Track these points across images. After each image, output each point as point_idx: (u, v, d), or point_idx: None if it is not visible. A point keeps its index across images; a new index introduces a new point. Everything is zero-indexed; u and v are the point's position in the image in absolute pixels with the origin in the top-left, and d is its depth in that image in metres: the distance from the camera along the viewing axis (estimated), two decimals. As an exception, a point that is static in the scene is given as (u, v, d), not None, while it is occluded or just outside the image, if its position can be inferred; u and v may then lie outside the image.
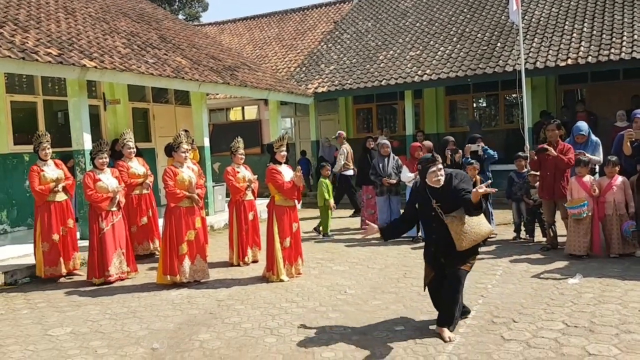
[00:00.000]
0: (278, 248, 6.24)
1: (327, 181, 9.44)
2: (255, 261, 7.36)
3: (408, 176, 8.34)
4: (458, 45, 14.18)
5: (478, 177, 7.91)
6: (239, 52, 16.55)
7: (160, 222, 6.97)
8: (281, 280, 6.20)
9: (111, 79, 8.91)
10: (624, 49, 11.20)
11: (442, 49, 14.37)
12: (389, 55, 15.15)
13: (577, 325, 4.33)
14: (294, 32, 20.56)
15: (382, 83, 13.92)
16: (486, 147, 8.69)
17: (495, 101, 15.33)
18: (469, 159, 8.13)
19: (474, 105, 16.07)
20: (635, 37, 11.45)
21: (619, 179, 6.65)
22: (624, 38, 11.58)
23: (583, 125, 7.33)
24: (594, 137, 7.33)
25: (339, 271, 6.67)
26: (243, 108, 18.80)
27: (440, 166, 4.26)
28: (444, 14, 16.37)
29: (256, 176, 7.74)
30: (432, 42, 14.98)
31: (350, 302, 5.31)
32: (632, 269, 5.96)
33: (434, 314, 4.49)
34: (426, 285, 4.54)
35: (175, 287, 6.20)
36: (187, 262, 6.23)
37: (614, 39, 11.69)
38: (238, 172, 7.45)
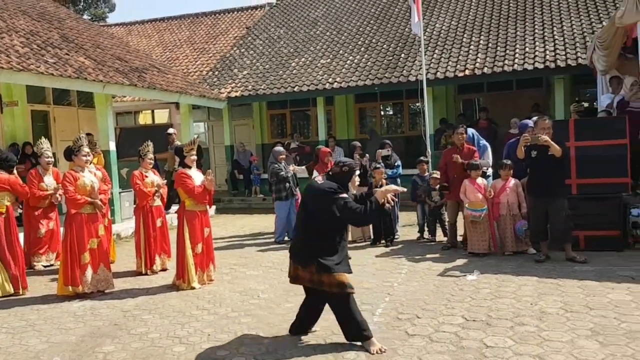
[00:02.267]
0: (189, 254, 6.12)
1: None
2: (164, 269, 7.17)
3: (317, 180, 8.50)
4: (366, 55, 14.67)
5: (384, 181, 8.22)
6: (147, 54, 16.04)
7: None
8: (192, 288, 6.09)
9: (7, 79, 8.36)
10: (516, 60, 12.13)
11: (351, 58, 14.80)
12: (301, 62, 15.37)
13: (476, 319, 4.63)
14: (206, 35, 20.28)
15: (295, 89, 14.10)
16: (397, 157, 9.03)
17: (401, 109, 16.02)
18: (377, 164, 8.42)
19: (382, 112, 16.69)
20: (527, 49, 12.44)
21: (512, 182, 7.19)
22: (517, 50, 12.54)
23: (469, 130, 7.93)
24: (482, 142, 7.93)
25: (253, 276, 6.67)
26: (153, 111, 18.24)
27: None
28: (352, 25, 16.88)
29: (165, 181, 7.56)
30: (341, 51, 15.39)
31: (263, 307, 5.34)
32: (525, 265, 6.45)
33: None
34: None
35: (77, 298, 5.91)
36: (89, 272, 5.96)
37: (507, 51, 12.64)
38: (146, 177, 7.24)
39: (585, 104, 12.14)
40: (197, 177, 6.29)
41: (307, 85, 14.04)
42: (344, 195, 4.11)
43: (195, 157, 6.32)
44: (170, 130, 12.61)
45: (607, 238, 6.82)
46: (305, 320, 4.48)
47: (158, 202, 7.28)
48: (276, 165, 8.87)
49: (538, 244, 6.77)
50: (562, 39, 12.46)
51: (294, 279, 4.36)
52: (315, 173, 8.67)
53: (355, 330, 4.16)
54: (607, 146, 6.86)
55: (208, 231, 6.35)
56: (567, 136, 6.97)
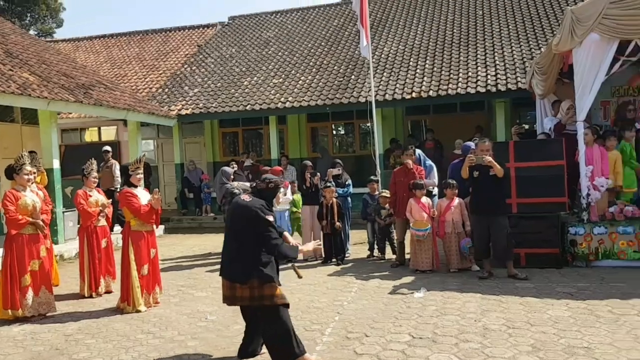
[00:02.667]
0: (135, 276, 5.98)
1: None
2: (108, 292, 6.97)
3: (286, 198, 8.57)
4: (317, 76, 14.88)
5: (335, 199, 8.33)
6: (94, 70, 15.69)
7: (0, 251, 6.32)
8: (138, 311, 5.94)
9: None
10: (460, 84, 12.60)
11: (302, 78, 14.98)
12: (253, 82, 15.42)
13: (422, 336, 4.73)
14: (156, 52, 20.04)
15: (247, 108, 14.11)
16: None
17: (352, 129, 16.29)
18: (328, 183, 8.51)
19: (334, 132, 16.90)
20: (470, 74, 12.95)
21: (457, 201, 7.43)
22: (460, 75, 13.03)
23: (416, 151, 8.16)
24: (428, 162, 8.19)
25: (201, 297, 6.57)
26: (99, 128, 17.79)
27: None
28: (303, 46, 17.11)
29: (110, 200, 7.38)
30: (293, 71, 15.55)
31: (211, 329, 5.27)
32: (469, 282, 6.65)
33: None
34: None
35: (17, 322, 5.67)
36: (30, 295, 5.74)
37: (451, 76, 13.11)
38: (90, 196, 7.05)
39: (526, 126, 12.69)
40: (143, 196, 6.18)
41: (259, 104, 14.08)
42: (270, 217, 4.18)
43: (141, 176, 6.21)
44: (106, 148, 12.36)
45: (547, 255, 7.12)
46: (251, 343, 4.45)
47: (103, 222, 7.10)
48: (228, 185, 8.84)
49: (481, 261, 7.00)
50: (502, 64, 13.05)
51: (230, 299, 4.24)
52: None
53: (289, 350, 4.06)
54: (545, 167, 7.20)
55: (154, 252, 6.23)
56: (507, 157, 7.28)
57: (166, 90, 16.13)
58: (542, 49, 11.36)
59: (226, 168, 9.29)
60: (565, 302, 5.53)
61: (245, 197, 4.33)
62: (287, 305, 4.17)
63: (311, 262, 8.51)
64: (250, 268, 4.12)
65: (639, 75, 8.91)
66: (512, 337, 4.62)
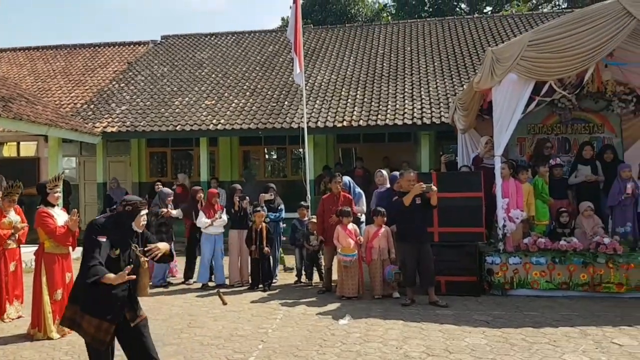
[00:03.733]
0: (46, 301, 5.65)
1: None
2: (18, 317, 6.52)
3: (204, 221, 8.39)
4: (251, 100, 14.89)
5: (264, 224, 8.29)
6: (16, 83, 14.89)
7: None
8: (49, 338, 5.59)
9: None
10: (388, 115, 13.02)
11: (236, 101, 14.93)
12: (184, 102, 15.18)
13: (346, 363, 4.77)
14: (83, 67, 19.32)
15: (177, 128, 13.84)
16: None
17: (284, 154, 16.36)
18: (259, 207, 8.46)
19: (266, 156, 16.89)
20: (397, 106, 13.42)
21: (384, 228, 7.59)
22: (389, 106, 13.48)
23: (345, 178, 8.39)
24: (357, 190, 8.38)
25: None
26: (19, 143, 16.81)
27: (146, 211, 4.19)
28: (237, 69, 17.11)
29: (25, 224, 6.88)
30: (226, 94, 15.48)
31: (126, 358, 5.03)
32: (392, 309, 6.78)
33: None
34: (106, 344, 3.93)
35: None
36: None
37: (380, 107, 13.54)
38: (5, 217, 6.59)
39: (455, 156, 13.26)
40: (60, 216, 5.88)
41: (190, 125, 13.86)
42: (101, 239, 3.83)
43: (59, 194, 5.93)
44: None
45: (465, 283, 7.40)
46: None
47: (13, 244, 6.65)
48: (156, 210, 8.64)
49: (404, 287, 7.17)
50: (428, 98, 13.64)
51: (63, 318, 4.06)
52: (201, 214, 8.48)
53: None
54: (465, 198, 7.53)
55: (70, 276, 5.91)
56: (431, 188, 7.56)
57: (92, 106, 15.54)
58: (465, 86, 11.98)
59: (165, 190, 9.06)
60: (482, 330, 5.75)
61: (100, 217, 4.10)
62: (98, 348, 3.87)
63: (237, 287, 8.37)
64: (77, 292, 3.87)
65: (553, 115, 9.60)
66: (431, 364, 4.75)
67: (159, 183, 9.80)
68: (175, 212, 8.69)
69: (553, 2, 30.30)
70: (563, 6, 28.06)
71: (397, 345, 5.26)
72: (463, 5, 30.75)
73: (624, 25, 6.67)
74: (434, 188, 6.92)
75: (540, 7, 30.00)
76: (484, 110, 8.86)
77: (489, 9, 30.14)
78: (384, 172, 8.76)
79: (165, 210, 8.50)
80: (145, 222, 4.11)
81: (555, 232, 7.73)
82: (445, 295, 7.21)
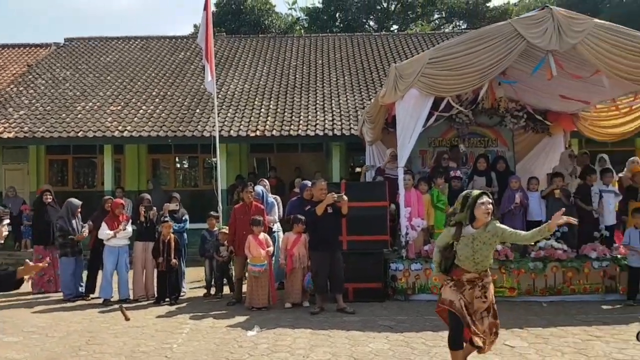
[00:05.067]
0: None
1: None
2: None
3: (106, 233, 8.03)
4: (160, 107, 14.50)
5: (173, 235, 8.08)
6: None
7: None
8: None
9: None
10: (300, 126, 13.21)
11: (144, 107, 14.47)
12: (87, 107, 14.50)
13: (251, 375, 4.76)
14: (-23, 69, 17.94)
15: (79, 134, 13.19)
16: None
17: (196, 163, 16.05)
18: (166, 218, 8.24)
19: (177, 165, 16.48)
20: (310, 117, 13.65)
21: (303, 236, 7.63)
22: (301, 117, 13.68)
23: (257, 187, 8.39)
24: (270, 199, 8.41)
25: (11, 343, 5.88)
26: None
27: None
28: (146, 75, 16.62)
29: None
30: (134, 99, 14.97)
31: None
32: (302, 318, 6.84)
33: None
34: None
35: None
36: None
37: (293, 117, 13.71)
38: None
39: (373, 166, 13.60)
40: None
41: (93, 132, 13.24)
42: None
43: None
44: None
45: (372, 290, 7.64)
46: None
47: None
48: (62, 223, 8.20)
49: (314, 296, 7.28)
50: (338, 110, 14.01)
51: None
52: (104, 226, 8.10)
53: None
54: (371, 207, 7.79)
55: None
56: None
57: (-14, 111, 14.43)
58: (372, 100, 12.41)
59: (75, 201, 8.60)
60: (386, 335, 5.96)
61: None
62: None
63: (142, 302, 8.08)
64: None
65: (451, 129, 10.18)
66: (336, 371, 4.85)
67: (47, 193, 9.12)
68: (86, 232, 8.37)
69: (454, 23, 32.24)
70: (463, 27, 29.92)
71: (304, 354, 5.33)
72: (372, 23, 31.92)
73: (516, 46, 7.23)
74: (345, 197, 7.11)
75: (442, 27, 31.85)
76: (389, 123, 9.23)
77: (395, 27, 31.53)
78: (266, 180, 9.01)
79: (77, 236, 8.32)
80: (7, 233, 3.88)
81: (454, 239, 8.17)
82: (353, 302, 7.39)
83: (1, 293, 6.19)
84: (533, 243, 7.23)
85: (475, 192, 4.38)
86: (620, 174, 9.14)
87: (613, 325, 6.20)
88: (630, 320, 6.40)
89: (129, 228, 8.27)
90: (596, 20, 7.30)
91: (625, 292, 7.37)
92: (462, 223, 4.38)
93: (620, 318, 6.52)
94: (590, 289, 7.55)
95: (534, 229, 4.30)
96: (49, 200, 9.14)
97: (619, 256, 7.63)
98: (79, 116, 13.99)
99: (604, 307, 7.17)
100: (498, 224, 4.32)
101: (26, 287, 8.92)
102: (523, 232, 4.41)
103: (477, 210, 4.26)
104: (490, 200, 4.27)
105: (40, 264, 4.04)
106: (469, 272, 4.36)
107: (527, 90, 9.48)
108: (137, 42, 19.44)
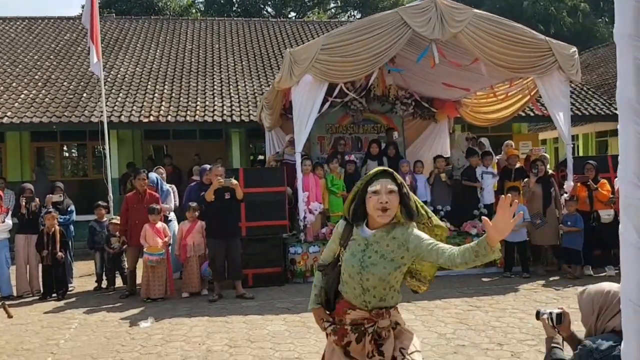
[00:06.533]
0: None
1: None
2: None
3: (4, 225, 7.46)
4: (43, 91, 13.49)
5: (57, 227, 7.62)
6: None
7: None
8: None
9: None
10: (197, 112, 12.90)
11: (25, 92, 13.39)
12: (-39, 92, 13.15)
13: (142, 366, 4.65)
14: None
15: (-50, 122, 11.95)
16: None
17: (85, 151, 15.15)
18: (50, 209, 7.75)
19: (64, 154, 15.45)
20: (207, 103, 13.37)
21: (199, 223, 7.50)
22: (198, 103, 13.36)
23: (152, 175, 8.13)
24: (165, 187, 8.20)
25: None
26: None
27: None
28: (28, 57, 15.35)
29: None
30: (14, 83, 13.79)
31: None
32: (199, 306, 6.77)
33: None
34: None
35: None
36: None
37: (190, 103, 13.34)
38: None
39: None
40: None
41: (-32, 118, 12.07)
42: None
43: None
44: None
45: (271, 275, 7.72)
46: None
47: None
48: None
49: (212, 284, 7.22)
50: (237, 96, 13.83)
51: None
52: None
53: None
54: (270, 192, 7.85)
55: None
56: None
57: None
58: (270, 86, 12.41)
59: None
60: (283, 317, 6.06)
61: None
62: None
63: (27, 298, 7.57)
64: None
65: (347, 116, 10.45)
66: (232, 356, 4.87)
67: None
68: None
69: (349, 12, 33.14)
70: (358, 16, 30.78)
71: (200, 342, 5.29)
72: (269, 9, 31.80)
73: (402, 34, 7.57)
74: (234, 182, 7.04)
75: (338, 15, 32.54)
76: (287, 109, 9.30)
77: (293, 14, 31.67)
78: (162, 169, 8.77)
79: None
80: None
81: (350, 221, 8.44)
82: (252, 287, 7.43)
83: None
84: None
85: (373, 170, 2.57)
86: (497, 157, 9.90)
87: (492, 295, 6.77)
88: (507, 291, 7.02)
89: (8, 220, 7.68)
90: (475, 10, 7.82)
91: (503, 266, 8.05)
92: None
93: (498, 289, 7.12)
94: (472, 263, 8.15)
95: (468, 246, 2.26)
96: None
97: (496, 232, 8.28)
98: (-51, 102, 12.67)
99: (484, 279, 7.79)
100: (414, 231, 2.47)
101: None
102: (450, 250, 2.32)
103: (367, 202, 2.48)
104: (392, 188, 2.44)
105: None
106: (354, 307, 2.51)
107: (414, 79, 9.97)
108: (19, 23, 17.87)
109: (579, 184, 8.07)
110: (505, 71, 8.13)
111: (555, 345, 2.44)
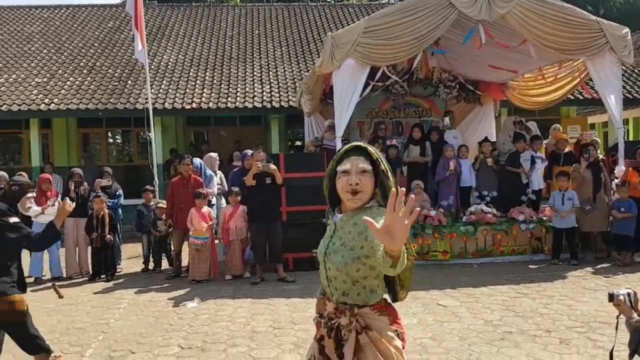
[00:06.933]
0: None
1: None
2: None
3: (34, 210, 7.66)
4: (89, 78, 13.84)
5: (106, 210, 7.84)
6: None
7: None
8: None
9: None
10: (238, 98, 12.99)
11: (71, 79, 13.77)
12: (11, 79, 13.63)
13: (192, 346, 4.74)
14: None
15: (3, 108, 12.41)
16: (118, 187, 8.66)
17: (130, 137, 15.51)
18: (98, 193, 7.97)
19: (109, 140, 15.86)
20: (247, 89, 13.44)
21: (241, 208, 7.59)
22: (239, 89, 13.45)
23: (196, 160, 8.25)
24: (208, 172, 8.30)
25: None
26: None
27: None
28: (73, 45, 15.78)
29: None
30: (60, 70, 14.20)
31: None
32: (242, 288, 6.86)
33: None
34: None
35: None
36: None
37: (230, 89, 13.45)
38: None
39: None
40: None
41: (17, 105, 12.49)
42: (15, 219, 3.86)
43: None
44: None
45: (311, 259, 7.73)
46: None
47: None
48: None
49: (255, 267, 7.31)
50: (276, 82, 13.86)
51: None
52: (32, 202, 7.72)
53: (36, 348, 3.90)
54: (310, 178, 7.83)
55: None
56: (279, 168, 7.73)
57: None
58: (310, 71, 12.37)
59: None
60: (324, 301, 6.07)
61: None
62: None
63: (76, 279, 7.84)
64: None
65: (388, 100, 10.33)
66: (277, 337, 4.92)
67: None
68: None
69: (391, -6, 32.43)
70: (400, -2, 30.17)
71: (245, 323, 5.37)
72: (309, -7, 31.50)
73: (448, 15, 7.39)
74: (272, 167, 7.08)
75: (379, -2, 32.01)
76: (327, 94, 9.25)
77: (332, -2, 31.31)
78: (213, 154, 8.82)
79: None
80: (31, 207, 3.88)
81: (388, 207, 8.34)
82: (293, 271, 7.48)
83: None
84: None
85: (345, 147, 2.26)
86: (545, 141, 9.61)
87: (539, 283, 6.60)
88: (554, 278, 6.84)
89: (57, 204, 7.94)
90: (524, -11, 7.54)
91: (550, 252, 7.83)
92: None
93: (545, 276, 6.94)
94: (518, 250, 7.98)
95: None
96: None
97: (544, 218, 8.07)
98: (2, 89, 13.15)
99: (531, 266, 7.61)
100: (378, 218, 1.92)
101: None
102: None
103: (337, 184, 2.18)
104: (365, 167, 2.12)
105: (65, 209, 3.99)
106: (329, 299, 2.25)
107: (458, 60, 9.73)
108: (63, 11, 18.37)
109: (630, 169, 7.77)
110: (555, 53, 7.85)
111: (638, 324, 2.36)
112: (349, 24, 16.69)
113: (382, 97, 10.10)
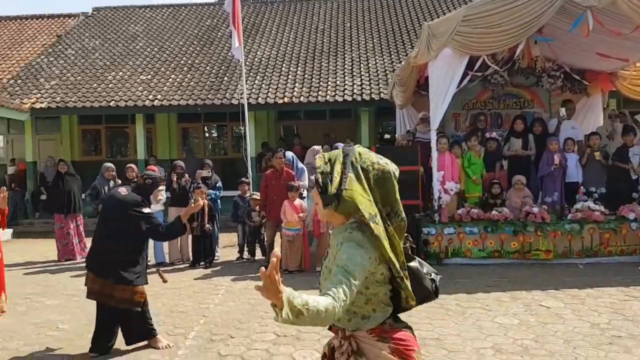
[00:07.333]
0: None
1: None
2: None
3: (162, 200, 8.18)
4: (189, 75, 14.52)
5: (206, 201, 8.16)
6: None
7: None
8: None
9: None
10: (328, 92, 13.06)
11: (173, 76, 14.52)
12: (118, 77, 14.63)
13: (287, 334, 4.81)
14: (9, 41, 18.19)
15: (111, 104, 13.35)
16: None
17: (225, 132, 16.12)
18: (199, 184, 8.32)
19: (206, 134, 16.58)
20: (338, 82, 13.48)
21: None
22: (329, 83, 13.52)
23: (288, 154, 8.35)
24: (300, 165, 8.39)
25: (52, 305, 6.08)
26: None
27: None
28: (174, 43, 16.62)
29: None
30: (163, 68, 15.02)
31: (62, 339, 4.90)
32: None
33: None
34: None
35: None
36: None
37: (321, 83, 13.55)
38: None
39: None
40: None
41: (124, 101, 13.39)
42: (147, 210, 4.21)
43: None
44: None
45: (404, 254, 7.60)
46: (102, 337, 4.38)
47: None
48: (96, 184, 8.41)
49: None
50: (367, 74, 13.77)
51: (91, 293, 4.36)
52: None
53: (144, 332, 4.38)
54: (403, 171, 7.66)
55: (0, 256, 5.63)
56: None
57: (19, 81, 14.70)
58: (403, 62, 12.17)
59: (106, 164, 8.93)
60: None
61: (122, 190, 4.41)
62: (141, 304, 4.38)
63: (178, 265, 8.26)
64: (111, 265, 4.18)
65: (486, 90, 9.91)
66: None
67: (61, 163, 9.28)
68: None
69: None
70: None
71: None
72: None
73: (553, 2, 6.92)
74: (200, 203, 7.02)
75: (475, -14, 30.69)
76: (421, 86, 9.03)
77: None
78: (317, 147, 8.80)
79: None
80: (162, 198, 4.51)
81: (488, 202, 8.04)
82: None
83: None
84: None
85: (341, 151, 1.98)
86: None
87: (652, 286, 6.07)
88: (669, 282, 6.26)
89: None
90: (638, -27, 6.91)
91: (666, 255, 7.19)
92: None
93: (659, 280, 6.38)
94: (628, 251, 7.40)
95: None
96: (65, 169, 9.26)
97: (658, 217, 7.41)
98: (109, 86, 14.14)
99: (643, 269, 7.02)
100: (347, 238, 1.88)
101: (53, 255, 9.24)
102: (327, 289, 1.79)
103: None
104: (316, 199, 1.96)
105: (194, 205, 4.62)
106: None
107: (564, 49, 9.12)
108: (164, 10, 19.42)
109: None
110: (674, 39, 7.14)
111: None
112: (443, 13, 16.28)
113: (479, 87, 9.71)
